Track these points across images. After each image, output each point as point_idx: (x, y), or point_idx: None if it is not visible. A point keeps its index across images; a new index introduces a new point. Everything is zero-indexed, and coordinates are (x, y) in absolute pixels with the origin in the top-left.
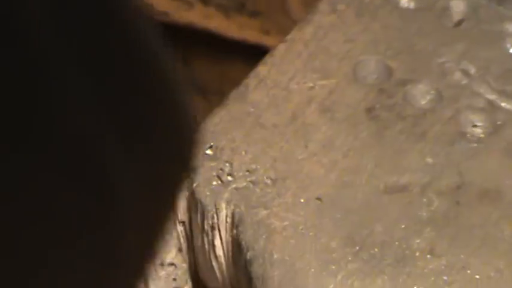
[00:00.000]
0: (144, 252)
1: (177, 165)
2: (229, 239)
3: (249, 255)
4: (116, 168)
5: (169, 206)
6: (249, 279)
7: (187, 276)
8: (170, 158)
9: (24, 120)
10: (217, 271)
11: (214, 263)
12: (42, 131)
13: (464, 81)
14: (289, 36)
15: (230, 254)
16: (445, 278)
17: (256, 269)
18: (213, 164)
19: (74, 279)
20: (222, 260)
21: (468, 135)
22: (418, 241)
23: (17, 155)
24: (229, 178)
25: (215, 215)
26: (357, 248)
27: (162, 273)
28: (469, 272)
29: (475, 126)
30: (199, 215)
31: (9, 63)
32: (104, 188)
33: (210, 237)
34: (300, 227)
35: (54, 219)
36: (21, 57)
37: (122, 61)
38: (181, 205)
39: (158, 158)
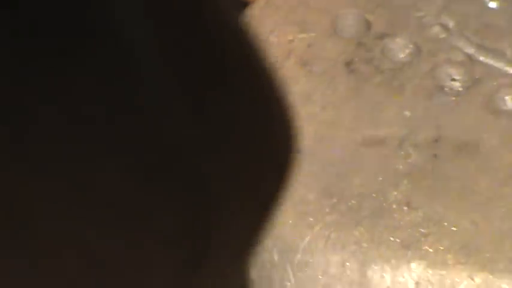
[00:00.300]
0: None
1: None
2: None
3: None
4: None
5: None
6: None
7: None
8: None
9: None
10: None
11: None
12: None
13: (443, 35)
14: None
15: None
16: (421, 230)
17: None
18: None
19: None
20: None
21: (446, 88)
22: (395, 193)
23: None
24: None
25: None
26: (335, 200)
27: None
28: (445, 224)
29: (453, 80)
30: None
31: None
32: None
33: None
34: None
35: None
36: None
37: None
38: None
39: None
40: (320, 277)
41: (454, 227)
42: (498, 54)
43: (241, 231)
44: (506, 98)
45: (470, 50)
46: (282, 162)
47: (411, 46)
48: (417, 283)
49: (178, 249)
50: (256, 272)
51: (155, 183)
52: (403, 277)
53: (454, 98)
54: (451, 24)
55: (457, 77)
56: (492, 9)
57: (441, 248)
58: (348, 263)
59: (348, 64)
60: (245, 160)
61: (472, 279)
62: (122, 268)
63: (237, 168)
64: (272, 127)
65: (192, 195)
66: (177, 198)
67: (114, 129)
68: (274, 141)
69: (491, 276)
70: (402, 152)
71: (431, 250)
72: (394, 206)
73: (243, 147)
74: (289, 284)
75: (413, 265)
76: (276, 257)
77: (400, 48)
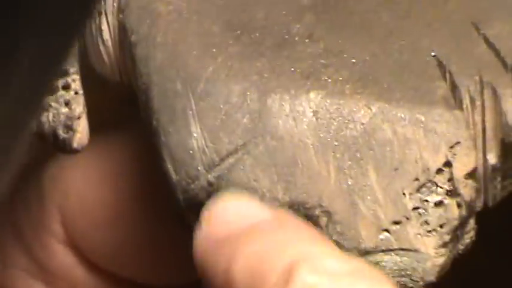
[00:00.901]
0: None
1: None
2: (115, 23)
3: (133, 38)
4: None
5: None
6: (133, 62)
7: (73, 59)
8: None
9: None
10: (104, 55)
11: (101, 48)
12: None
13: None
14: None
15: (116, 38)
16: (322, 61)
17: (139, 52)
18: None
19: None
20: (109, 43)
21: None
22: (298, 26)
23: None
24: None
25: (102, 0)
26: (238, 32)
27: None
28: (345, 55)
29: None
30: None
31: None
32: None
33: (97, 23)
34: (184, 12)
35: None
36: None
37: None
38: None
39: None
40: (221, 106)
41: (354, 58)
42: None
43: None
44: None
45: None
46: None
47: None
48: (315, 112)
49: None
50: (159, 101)
51: None
52: (302, 106)
53: None
54: None
55: None
56: None
57: (340, 78)
58: (248, 93)
59: None
60: None
61: (369, 108)
62: None
63: None
64: None
65: None
66: None
67: None
68: None
69: (387, 105)
70: None
71: (330, 81)
72: (297, 39)
73: None
74: (191, 112)
75: (312, 95)
76: (179, 87)
77: None
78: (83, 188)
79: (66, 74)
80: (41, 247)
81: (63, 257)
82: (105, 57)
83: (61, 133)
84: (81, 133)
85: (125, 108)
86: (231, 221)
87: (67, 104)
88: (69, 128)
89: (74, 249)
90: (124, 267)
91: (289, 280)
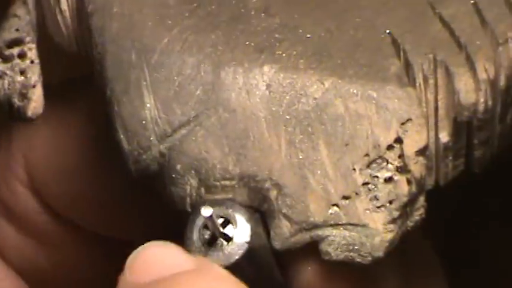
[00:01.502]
0: None
1: None
2: None
3: (90, 8)
4: None
5: None
6: (89, 31)
7: (29, 28)
8: None
9: None
10: (62, 25)
11: (59, 18)
12: None
13: None
14: None
15: (74, 7)
16: (276, 35)
17: (95, 21)
18: None
19: None
20: (67, 14)
21: None
22: (254, 0)
23: None
24: None
25: None
26: (194, 5)
27: (5, 24)
28: (300, 31)
29: None
30: None
31: None
32: None
33: None
34: None
35: None
36: None
37: None
38: None
39: None
40: (175, 77)
41: (309, 34)
42: None
43: None
44: None
45: None
46: None
47: None
48: (268, 85)
49: None
50: (114, 71)
51: None
52: (255, 79)
53: None
54: None
55: None
56: None
57: (294, 53)
58: (202, 65)
59: None
60: None
61: (322, 83)
62: None
63: None
64: None
65: None
66: None
67: None
68: None
69: (340, 81)
70: None
71: (284, 55)
72: (253, 13)
73: None
74: (145, 83)
75: (265, 68)
76: (133, 57)
77: None
78: (48, 140)
79: (22, 42)
80: (7, 189)
81: (27, 201)
82: (62, 27)
83: (16, 101)
84: (36, 102)
85: (81, 79)
86: (153, 270)
87: (22, 72)
88: (24, 97)
89: (37, 195)
90: (84, 218)
91: None
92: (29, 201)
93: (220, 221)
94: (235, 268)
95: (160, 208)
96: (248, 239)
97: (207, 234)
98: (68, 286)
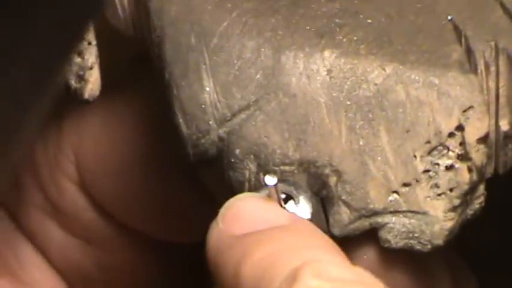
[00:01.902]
0: None
1: None
2: None
3: None
4: None
5: None
6: (148, 15)
7: None
8: None
9: None
10: (119, 8)
11: (116, 0)
12: None
13: None
14: None
15: None
16: (337, 20)
17: (154, 4)
18: None
19: None
20: None
21: None
22: None
23: None
24: None
25: None
26: None
27: None
28: (361, 16)
29: None
30: None
31: None
32: None
33: None
34: None
35: None
36: None
37: None
38: None
39: None
40: (235, 61)
41: (369, 19)
42: None
43: None
44: None
45: None
46: None
47: None
48: (329, 70)
49: None
50: (173, 54)
51: None
52: (316, 64)
53: None
54: None
55: None
56: None
57: (355, 38)
58: (262, 49)
59: None
60: None
61: (383, 68)
62: None
63: None
64: None
65: None
66: None
67: None
68: None
69: (401, 67)
70: None
71: (344, 40)
72: None
73: None
74: (204, 66)
75: (326, 53)
76: (193, 41)
77: None
78: (99, 133)
79: None
80: (55, 186)
81: (75, 198)
82: (119, 10)
83: (73, 83)
84: (93, 84)
85: (137, 63)
86: (247, 222)
87: (80, 54)
88: (81, 78)
89: (85, 192)
90: (130, 217)
91: (292, 284)
92: (77, 199)
93: (283, 196)
94: None
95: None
96: (309, 215)
97: None
98: None
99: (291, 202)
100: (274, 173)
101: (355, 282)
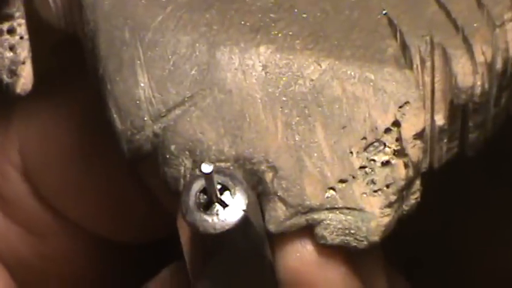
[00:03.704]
0: None
1: None
2: None
3: None
4: None
5: None
6: (80, 8)
7: (19, 3)
8: None
9: None
10: (50, 1)
11: None
12: None
13: None
14: None
15: None
16: (272, 15)
17: None
18: None
19: None
20: None
21: None
22: None
23: None
24: None
25: None
26: None
27: None
28: (296, 10)
29: None
30: None
31: None
32: None
33: None
34: None
35: None
36: None
37: None
38: None
39: None
40: (170, 56)
41: (304, 13)
42: None
43: None
44: None
45: None
46: None
47: None
48: (265, 66)
49: None
50: (106, 49)
51: None
52: (251, 60)
53: None
54: None
55: None
56: None
57: (290, 33)
58: (197, 44)
59: None
60: None
61: (319, 64)
62: None
63: None
64: None
65: None
66: None
67: None
68: None
69: (337, 62)
70: None
71: (280, 35)
72: None
73: None
74: (138, 62)
75: (261, 49)
76: (127, 35)
77: None
78: (44, 124)
79: (11, 17)
80: None
81: (18, 186)
82: (51, 3)
83: (5, 77)
84: (26, 78)
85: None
86: None
87: (12, 48)
88: (13, 73)
89: (29, 180)
90: (72, 211)
91: None
92: (20, 187)
93: (218, 187)
94: (227, 237)
95: (151, 209)
96: (244, 207)
97: (203, 199)
98: (53, 281)
99: (226, 193)
100: None
101: None
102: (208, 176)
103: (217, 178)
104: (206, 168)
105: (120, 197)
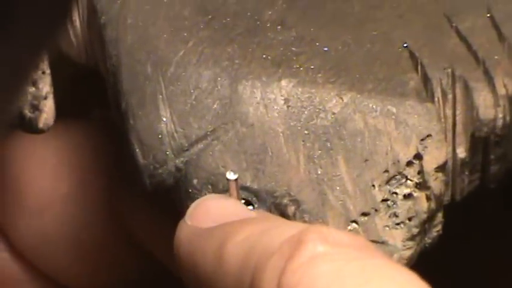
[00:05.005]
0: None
1: None
2: (85, 3)
3: (103, 19)
4: None
5: None
6: (102, 43)
7: None
8: None
9: None
10: (72, 36)
11: (69, 28)
12: None
13: None
14: None
15: (85, 18)
16: (293, 49)
17: (109, 33)
18: None
19: None
20: (77, 24)
21: None
22: (269, 13)
23: None
24: None
25: None
26: (210, 17)
27: None
28: (317, 44)
29: None
30: None
31: None
32: None
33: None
34: None
35: None
36: None
37: None
38: None
39: None
40: (192, 91)
41: (326, 47)
42: None
43: None
44: None
45: None
46: None
47: None
48: (286, 99)
49: None
50: (129, 84)
51: None
52: (273, 93)
53: None
54: None
55: None
56: None
57: (312, 67)
58: (219, 78)
59: None
60: None
61: (341, 97)
62: None
63: None
64: None
65: None
66: None
67: None
68: None
69: (359, 96)
70: None
71: (301, 69)
72: (268, 25)
73: None
74: (161, 96)
75: (283, 82)
76: (149, 70)
77: None
78: (19, 168)
79: None
80: None
81: None
82: (72, 37)
83: (27, 112)
84: (48, 113)
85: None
86: (218, 216)
87: (34, 83)
88: (35, 108)
89: (1, 233)
90: (44, 262)
91: (296, 249)
92: None
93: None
94: None
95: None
96: None
97: None
98: None
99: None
100: None
101: (361, 248)
102: (233, 182)
103: (241, 194)
104: (231, 175)
105: (96, 250)
